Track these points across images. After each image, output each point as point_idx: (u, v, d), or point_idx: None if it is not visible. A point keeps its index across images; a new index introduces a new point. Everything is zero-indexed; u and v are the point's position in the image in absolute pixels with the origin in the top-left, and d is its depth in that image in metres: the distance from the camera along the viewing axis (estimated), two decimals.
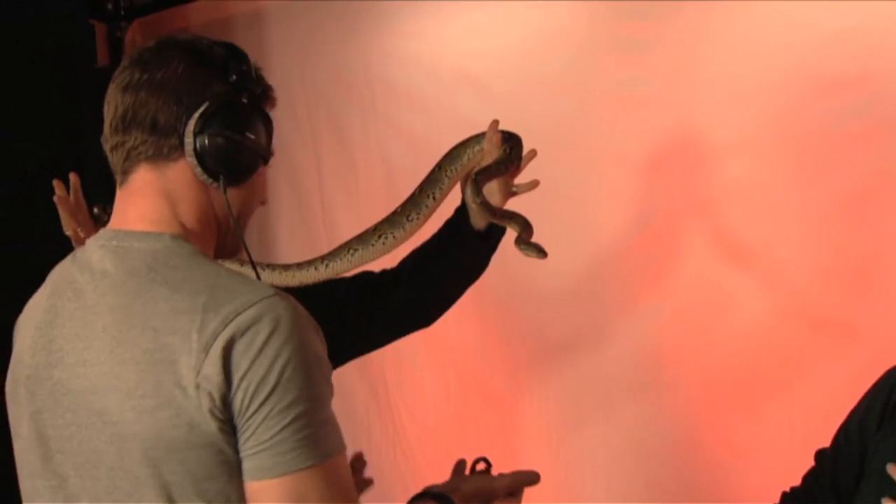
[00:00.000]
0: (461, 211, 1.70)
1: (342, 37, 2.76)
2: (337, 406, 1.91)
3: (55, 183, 1.84)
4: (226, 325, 1.13)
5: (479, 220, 1.68)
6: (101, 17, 3.03)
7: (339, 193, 2.85)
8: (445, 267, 1.73)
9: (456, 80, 2.56)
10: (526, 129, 2.40)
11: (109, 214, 1.29)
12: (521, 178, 1.68)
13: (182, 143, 1.21)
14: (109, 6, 3.03)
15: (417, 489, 1.37)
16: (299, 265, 1.69)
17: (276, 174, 2.85)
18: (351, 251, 1.69)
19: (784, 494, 1.62)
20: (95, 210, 1.87)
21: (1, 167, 2.69)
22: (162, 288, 1.17)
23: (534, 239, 1.65)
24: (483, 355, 2.56)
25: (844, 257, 2.02)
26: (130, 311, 1.17)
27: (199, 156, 1.22)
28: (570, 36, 2.35)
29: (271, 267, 1.69)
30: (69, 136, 2.80)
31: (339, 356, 1.85)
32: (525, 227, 1.61)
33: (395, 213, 1.71)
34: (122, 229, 1.23)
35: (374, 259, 1.70)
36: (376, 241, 1.69)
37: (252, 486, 1.14)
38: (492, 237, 1.70)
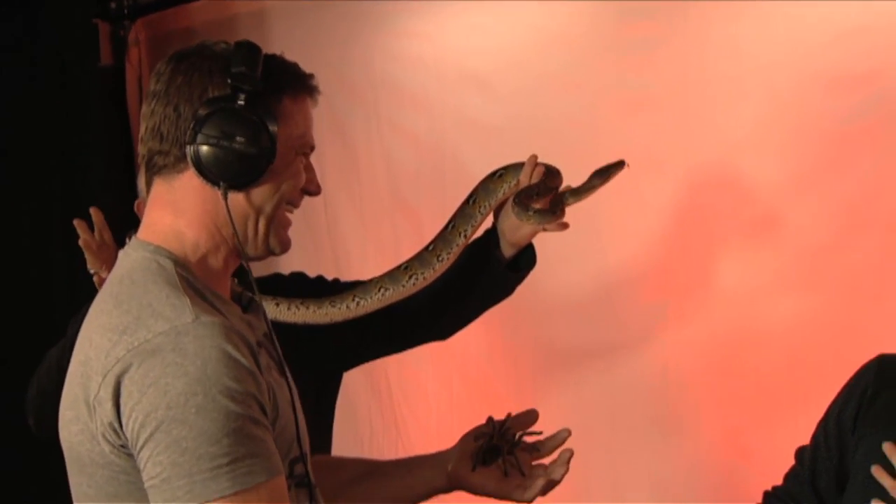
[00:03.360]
0: (492, 237, 1.70)
1: (345, 36, 2.78)
2: (340, 406, 1.93)
3: (77, 223, 1.85)
4: (127, 351, 1.13)
5: (508, 248, 1.68)
6: (104, 17, 3.03)
7: (341, 193, 2.87)
8: (471, 293, 1.75)
9: (459, 80, 2.57)
10: (529, 128, 2.40)
11: None
12: None
13: (184, 153, 1.22)
14: (113, 5, 3.03)
15: None
16: (332, 301, 1.70)
17: None
18: (382, 290, 1.70)
19: (766, 494, 1.60)
20: (127, 239, 1.93)
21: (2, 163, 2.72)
22: (111, 301, 1.20)
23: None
24: (488, 361, 2.57)
25: (852, 256, 2.02)
26: (88, 321, 1.21)
27: (197, 164, 1.22)
28: (574, 35, 2.36)
29: (305, 304, 1.70)
30: (73, 135, 2.81)
31: (355, 359, 1.90)
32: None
33: (426, 250, 1.70)
34: (136, 237, 1.26)
35: (402, 297, 1.71)
36: (406, 281, 1.69)
37: None
38: (521, 268, 1.71)
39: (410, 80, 2.67)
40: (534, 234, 1.67)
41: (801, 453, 1.57)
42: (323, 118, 2.85)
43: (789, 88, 2.09)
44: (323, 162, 2.79)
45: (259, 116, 1.21)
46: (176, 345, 1.13)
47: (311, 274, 1.94)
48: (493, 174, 1.71)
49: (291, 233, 1.33)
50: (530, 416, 1.48)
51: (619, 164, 1.69)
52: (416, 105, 2.67)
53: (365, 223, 2.83)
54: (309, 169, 1.30)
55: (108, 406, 1.14)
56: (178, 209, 1.25)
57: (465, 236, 1.70)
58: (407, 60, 2.68)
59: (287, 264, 2.52)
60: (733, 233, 2.21)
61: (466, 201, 1.71)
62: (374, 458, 2.64)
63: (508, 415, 1.49)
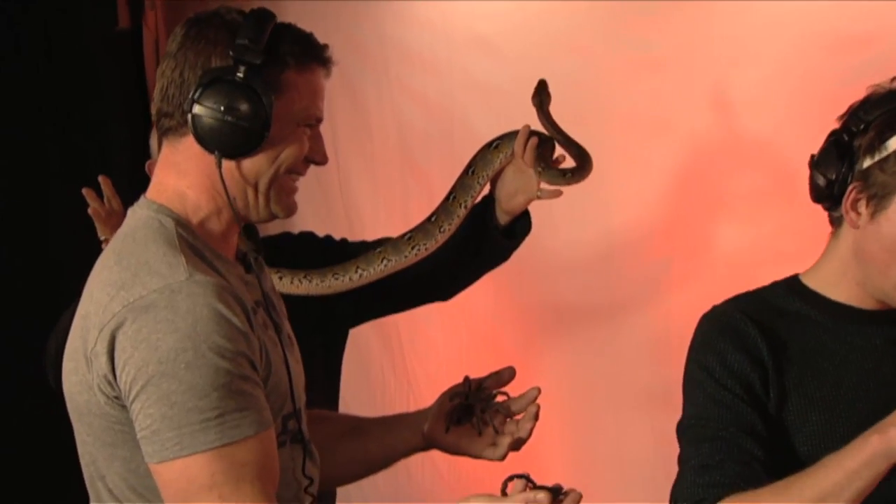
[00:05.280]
0: (489, 206, 1.73)
1: (356, 1, 2.78)
2: (353, 362, 1.98)
3: (85, 192, 1.88)
4: (123, 307, 1.16)
5: (503, 216, 1.71)
6: None
7: (353, 155, 2.90)
8: (469, 258, 1.77)
9: (467, 42, 2.57)
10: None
11: None
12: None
13: (186, 119, 1.24)
14: None
15: None
16: (335, 273, 1.72)
17: None
18: (385, 260, 1.73)
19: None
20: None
21: (21, 129, 2.72)
22: (113, 257, 1.23)
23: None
24: (496, 317, 2.59)
25: None
26: (92, 276, 1.25)
27: (195, 132, 1.23)
28: None
29: (308, 277, 1.72)
30: (91, 98, 2.84)
31: (360, 318, 1.94)
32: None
33: (428, 221, 1.74)
34: (143, 196, 1.30)
35: (404, 267, 1.74)
36: (409, 251, 1.72)
37: (150, 466, 1.18)
38: (516, 236, 1.74)
39: (420, 43, 2.67)
40: (528, 201, 1.70)
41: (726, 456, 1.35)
42: (335, 81, 2.86)
43: (794, 48, 2.08)
44: (335, 123, 2.88)
45: (256, 88, 1.22)
46: (169, 302, 1.15)
47: (322, 233, 1.97)
48: (489, 144, 1.73)
49: (303, 192, 1.36)
50: (507, 374, 1.47)
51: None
52: (426, 67, 2.68)
53: (376, 182, 2.85)
54: (315, 139, 1.31)
55: (104, 359, 1.17)
56: (181, 171, 1.27)
57: (466, 206, 1.72)
58: (416, 23, 2.68)
59: (300, 223, 2.55)
60: (736, 194, 2.20)
61: (465, 171, 1.74)
62: (386, 410, 2.67)
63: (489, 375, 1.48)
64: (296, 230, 2.04)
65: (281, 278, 1.67)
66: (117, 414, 1.19)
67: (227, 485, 1.15)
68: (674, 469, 1.42)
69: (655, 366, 2.30)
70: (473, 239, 1.74)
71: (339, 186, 2.93)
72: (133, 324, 1.15)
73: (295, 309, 1.66)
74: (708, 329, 1.43)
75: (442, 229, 1.72)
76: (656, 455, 2.17)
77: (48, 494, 2.50)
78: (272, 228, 2.53)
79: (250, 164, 1.26)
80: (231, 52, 1.22)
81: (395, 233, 1.81)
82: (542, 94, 1.75)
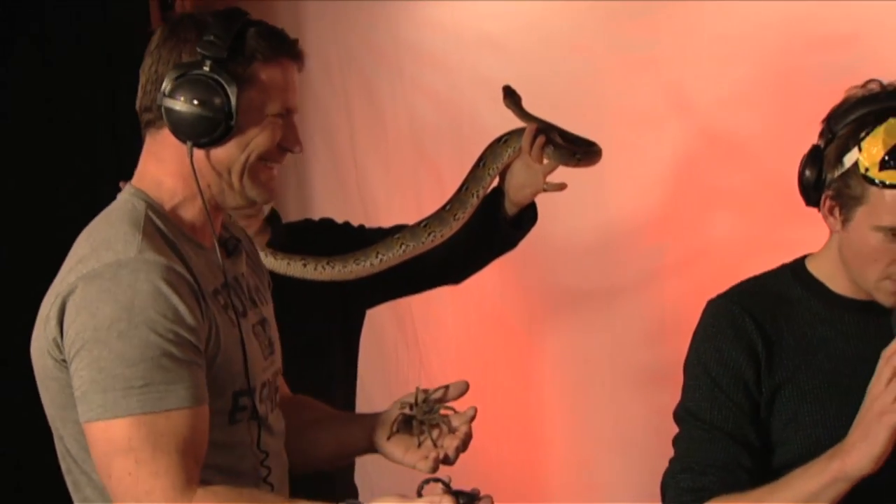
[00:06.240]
0: (498, 197, 1.79)
1: (372, 4, 2.81)
2: (369, 339, 2.04)
3: (122, 185, 1.97)
4: (78, 277, 1.20)
5: (511, 208, 1.78)
6: None
7: (369, 148, 2.93)
8: (480, 246, 1.84)
9: (475, 42, 2.62)
10: (539, 86, 2.31)
11: None
12: (553, 177, 1.77)
13: (161, 113, 1.28)
14: None
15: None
16: (356, 259, 1.76)
17: (312, 131, 2.94)
18: (403, 246, 1.77)
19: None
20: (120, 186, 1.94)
21: (52, 130, 2.68)
22: (85, 234, 1.28)
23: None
24: (502, 299, 2.65)
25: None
26: (70, 251, 1.29)
27: (168, 123, 1.28)
28: (579, 1, 2.41)
29: (331, 263, 1.74)
30: (124, 102, 2.80)
31: (377, 299, 2.00)
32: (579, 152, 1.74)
33: (443, 210, 1.79)
34: (129, 183, 1.35)
35: (421, 252, 1.79)
36: (426, 237, 1.78)
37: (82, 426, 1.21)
38: (523, 225, 1.81)
39: (431, 43, 2.72)
40: (535, 194, 1.76)
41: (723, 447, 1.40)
42: (352, 78, 2.95)
43: (776, 50, 2.11)
44: (352, 118, 2.94)
45: (221, 81, 1.25)
46: (114, 274, 1.19)
47: (340, 220, 2.02)
48: (499, 139, 1.79)
49: (322, 182, 1.41)
50: (456, 389, 1.43)
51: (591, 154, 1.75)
52: (437, 66, 2.73)
53: (390, 173, 2.89)
54: (288, 127, 1.32)
55: (53, 323, 1.22)
56: (159, 159, 1.32)
57: (478, 196, 1.78)
58: (428, 25, 2.73)
59: (320, 211, 2.68)
60: (726, 186, 2.23)
61: (477, 164, 1.79)
62: (398, 384, 2.66)
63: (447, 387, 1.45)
64: (315, 216, 2.12)
65: (305, 265, 1.71)
66: (65, 377, 1.23)
67: (143, 451, 1.16)
68: (667, 442, 1.46)
69: (650, 346, 2.35)
70: (484, 228, 1.80)
71: (355, 175, 2.97)
72: (81, 292, 1.19)
73: (317, 291, 1.75)
74: (710, 322, 1.46)
75: (456, 217, 1.78)
76: (650, 428, 2.25)
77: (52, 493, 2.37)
78: (293, 215, 2.66)
79: (222, 152, 1.29)
80: (199, 49, 1.26)
81: (407, 220, 1.87)
82: (512, 97, 1.80)
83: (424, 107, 2.80)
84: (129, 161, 1.39)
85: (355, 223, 2.01)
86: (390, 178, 2.90)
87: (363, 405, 2.04)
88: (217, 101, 1.26)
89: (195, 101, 1.25)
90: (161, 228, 1.27)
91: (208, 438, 1.24)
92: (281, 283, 1.60)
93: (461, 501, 1.20)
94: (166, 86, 1.27)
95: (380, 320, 2.53)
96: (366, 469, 2.00)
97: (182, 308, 1.20)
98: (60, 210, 2.56)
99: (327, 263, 1.73)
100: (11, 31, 2.65)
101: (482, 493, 1.22)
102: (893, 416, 1.24)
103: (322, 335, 1.90)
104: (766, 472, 1.39)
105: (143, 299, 1.18)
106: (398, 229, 1.83)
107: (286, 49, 1.31)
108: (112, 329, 1.17)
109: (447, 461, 1.38)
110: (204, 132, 1.27)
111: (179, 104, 1.26)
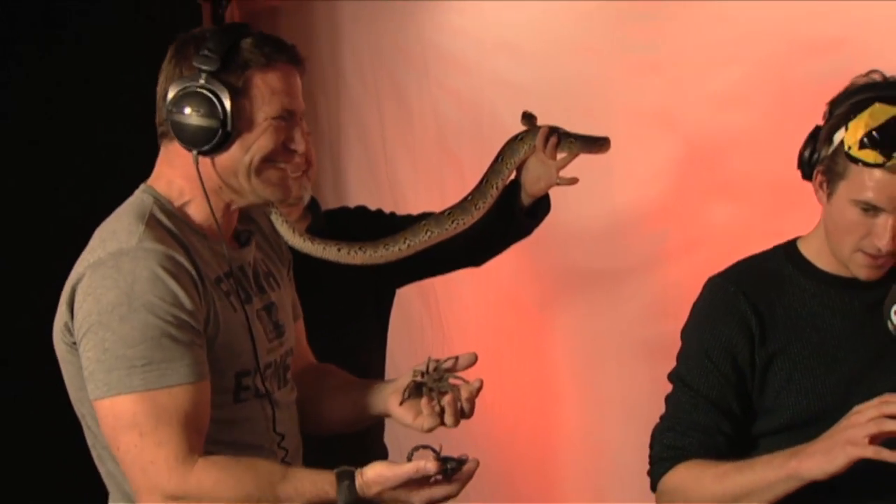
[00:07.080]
0: (515, 190, 1.86)
1: (401, 11, 2.92)
2: (398, 315, 2.19)
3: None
4: (86, 266, 1.25)
5: (527, 199, 1.85)
6: None
7: (398, 143, 3.04)
8: (497, 233, 1.93)
9: (495, 46, 2.70)
10: (552, 87, 2.55)
11: None
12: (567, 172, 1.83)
13: (168, 125, 1.34)
14: None
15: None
16: (385, 244, 1.80)
17: (347, 128, 3.08)
18: (428, 232, 1.83)
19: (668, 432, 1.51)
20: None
21: (52, 130, 2.62)
22: (100, 227, 1.33)
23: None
24: (516, 279, 2.73)
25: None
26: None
27: (175, 134, 1.33)
28: (590, 7, 2.48)
29: (363, 248, 1.78)
30: (125, 102, 2.37)
31: (405, 281, 2.14)
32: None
33: (466, 200, 1.85)
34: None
35: (444, 238, 1.85)
36: (449, 225, 1.83)
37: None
38: (538, 215, 1.90)
39: (454, 47, 2.81)
40: (548, 187, 1.84)
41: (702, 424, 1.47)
42: (383, 80, 3.11)
43: (770, 50, 2.17)
44: (383, 116, 3.08)
45: (215, 93, 1.29)
46: (116, 262, 1.23)
47: (372, 208, 2.13)
48: (516, 137, 1.87)
49: (356, 175, 1.43)
50: (465, 360, 1.45)
51: (601, 143, 1.82)
52: (459, 68, 2.82)
53: (416, 168, 2.99)
54: (290, 129, 1.35)
55: (65, 308, 1.27)
56: (172, 164, 1.38)
57: (497, 188, 1.85)
58: (452, 30, 2.82)
59: (354, 199, 2.76)
60: (725, 178, 2.29)
61: (496, 159, 1.87)
62: (423, 355, 2.67)
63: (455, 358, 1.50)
64: (350, 204, 2.26)
65: (339, 250, 1.74)
66: (77, 359, 1.27)
67: (147, 424, 1.21)
68: None
69: (653, 323, 2.41)
70: (502, 217, 1.88)
71: (385, 168, 3.06)
72: (87, 279, 1.25)
73: (353, 272, 1.89)
74: (707, 298, 1.53)
75: (477, 206, 1.85)
76: (653, 398, 2.16)
77: (64, 492, 2.22)
78: (331, 203, 2.75)
79: (226, 157, 1.33)
80: (195, 63, 1.31)
81: (432, 209, 1.94)
82: (529, 120, 1.87)
83: (448, 106, 2.87)
84: (130, 161, 1.44)
85: (386, 210, 2.11)
86: (417, 170, 2.98)
87: (392, 371, 2.12)
88: (213, 110, 1.29)
89: (194, 113, 1.30)
90: (164, 221, 1.31)
91: (215, 416, 1.28)
92: (318, 266, 1.72)
93: (449, 466, 1.24)
94: (171, 100, 1.32)
95: (407, 298, 2.59)
96: (395, 431, 2.03)
97: (180, 292, 1.24)
98: (60, 210, 2.54)
99: (359, 248, 1.78)
100: (12, 32, 2.61)
101: (470, 458, 1.25)
102: (857, 451, 1.27)
103: (357, 311, 2.04)
104: (745, 438, 1.48)
105: (143, 285, 1.23)
106: (424, 217, 1.90)
107: (283, 55, 1.34)
108: (114, 313, 1.21)
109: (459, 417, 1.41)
110: (205, 140, 1.31)
111: (182, 116, 1.31)
